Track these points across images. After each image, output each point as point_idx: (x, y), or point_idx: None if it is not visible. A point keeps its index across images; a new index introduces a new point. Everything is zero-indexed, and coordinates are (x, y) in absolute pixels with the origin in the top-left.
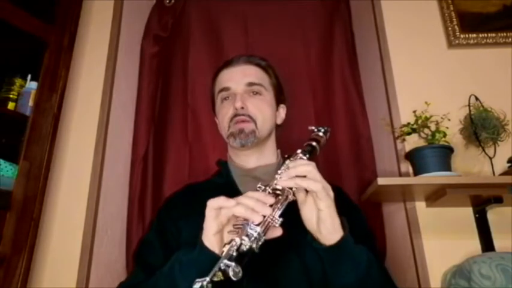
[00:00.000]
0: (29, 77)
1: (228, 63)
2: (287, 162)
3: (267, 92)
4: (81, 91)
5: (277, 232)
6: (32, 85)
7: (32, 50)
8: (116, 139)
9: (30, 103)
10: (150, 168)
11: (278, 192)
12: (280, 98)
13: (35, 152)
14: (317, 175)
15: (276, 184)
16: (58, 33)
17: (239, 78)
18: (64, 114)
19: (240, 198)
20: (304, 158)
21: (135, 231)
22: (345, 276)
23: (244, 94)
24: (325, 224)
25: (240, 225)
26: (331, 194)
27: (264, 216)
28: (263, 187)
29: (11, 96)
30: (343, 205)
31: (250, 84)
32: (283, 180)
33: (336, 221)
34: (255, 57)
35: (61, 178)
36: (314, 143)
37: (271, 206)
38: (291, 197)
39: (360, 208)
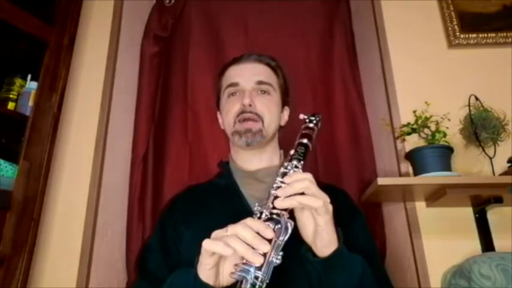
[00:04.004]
0: (29, 77)
1: (237, 60)
2: (281, 170)
3: (274, 92)
4: (81, 91)
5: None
6: (32, 85)
7: (32, 50)
8: (116, 139)
9: (30, 103)
10: (150, 168)
11: (275, 217)
12: (285, 99)
13: (35, 152)
14: (315, 190)
15: (273, 205)
16: (58, 33)
17: (249, 75)
18: (64, 114)
19: (238, 230)
20: (299, 166)
21: (135, 231)
22: (338, 286)
23: (253, 92)
24: (321, 238)
25: (241, 269)
26: (330, 208)
27: (265, 255)
28: (259, 209)
29: (11, 96)
30: (346, 210)
31: (260, 82)
32: (280, 201)
33: (333, 235)
34: (266, 56)
35: (61, 178)
36: (305, 141)
37: (271, 240)
38: (290, 227)
39: (362, 214)
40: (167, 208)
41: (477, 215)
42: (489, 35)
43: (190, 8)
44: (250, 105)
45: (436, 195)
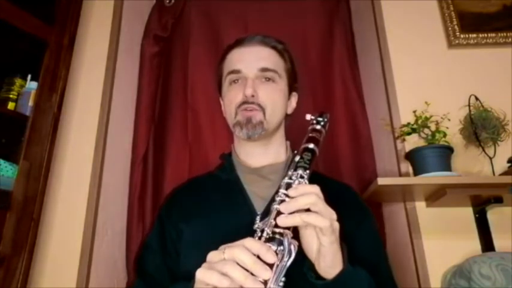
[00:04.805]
0: (29, 77)
1: (240, 42)
2: (285, 181)
3: (280, 79)
4: (81, 91)
5: None
6: (32, 85)
7: (32, 50)
8: (116, 139)
9: (30, 103)
10: (150, 168)
11: (278, 236)
12: (293, 85)
13: (35, 152)
14: (322, 207)
15: (275, 223)
16: (58, 33)
17: (252, 61)
18: (64, 114)
19: (237, 253)
20: (305, 176)
21: (135, 231)
22: None
23: (256, 80)
24: (325, 259)
25: None
26: (337, 227)
27: (266, 282)
28: (261, 226)
29: (11, 96)
30: (355, 211)
31: (264, 69)
32: (284, 218)
33: (337, 254)
34: (271, 38)
35: (61, 178)
36: (312, 146)
37: (272, 265)
38: (294, 250)
39: (372, 215)
40: (166, 202)
41: (477, 215)
42: (489, 35)
43: (190, 8)
44: (252, 95)
45: (436, 195)
